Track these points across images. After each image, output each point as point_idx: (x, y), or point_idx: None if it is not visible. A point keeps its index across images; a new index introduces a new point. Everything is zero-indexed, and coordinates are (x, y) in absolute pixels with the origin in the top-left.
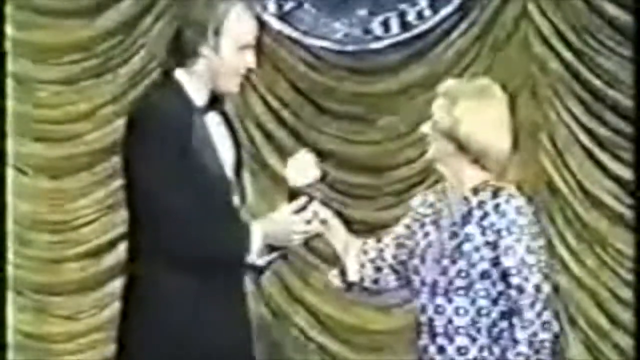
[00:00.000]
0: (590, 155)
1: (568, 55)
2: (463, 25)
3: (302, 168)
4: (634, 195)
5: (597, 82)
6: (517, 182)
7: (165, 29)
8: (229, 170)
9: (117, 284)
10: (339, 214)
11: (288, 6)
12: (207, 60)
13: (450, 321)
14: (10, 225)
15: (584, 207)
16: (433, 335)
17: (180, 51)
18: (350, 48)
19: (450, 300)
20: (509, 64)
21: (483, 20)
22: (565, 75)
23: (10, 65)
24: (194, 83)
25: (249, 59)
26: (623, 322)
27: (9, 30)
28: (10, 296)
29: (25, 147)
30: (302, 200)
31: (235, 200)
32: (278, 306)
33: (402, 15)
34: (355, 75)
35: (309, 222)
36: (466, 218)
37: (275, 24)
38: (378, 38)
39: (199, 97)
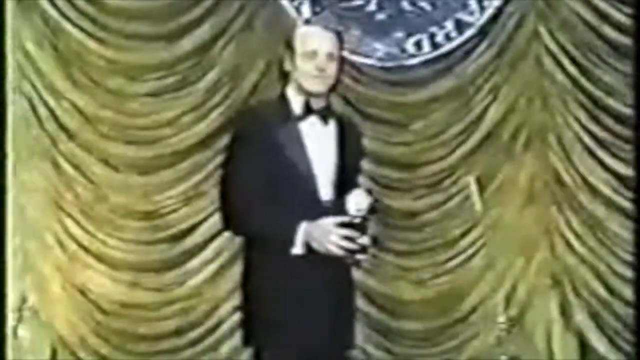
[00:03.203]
0: (591, 153)
1: (573, 70)
2: (483, 45)
3: (357, 198)
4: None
5: (598, 92)
6: (531, 175)
7: (234, 50)
8: (318, 169)
9: (195, 263)
10: (380, 203)
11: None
12: (292, 74)
13: None
14: (106, 213)
15: (586, 197)
16: None
17: (281, 71)
18: (388, 64)
19: None
20: (523, 78)
21: (500, 41)
22: (570, 86)
23: (108, 82)
24: (294, 96)
25: (319, 62)
26: (620, 293)
27: (108, 52)
28: (108, 272)
29: (118, 148)
30: (347, 218)
31: (323, 194)
32: None
33: (432, 36)
34: (393, 87)
35: (350, 239)
36: None
37: None
38: (412, 56)
39: (297, 107)
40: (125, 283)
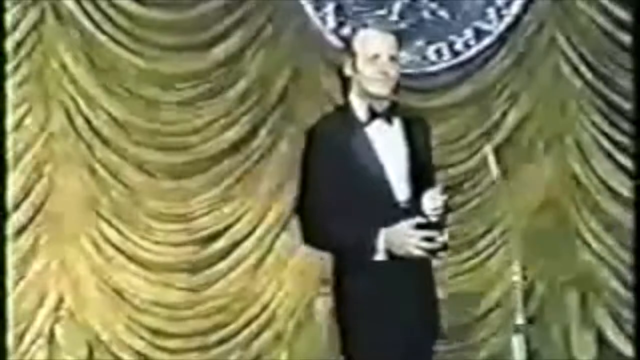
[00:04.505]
0: (609, 155)
1: (590, 75)
2: (502, 52)
3: (432, 198)
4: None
5: (614, 97)
6: (550, 178)
7: (263, 59)
8: (390, 171)
9: (224, 264)
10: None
11: None
12: (353, 79)
13: None
14: (139, 217)
15: (604, 198)
16: None
17: (342, 78)
18: (410, 71)
19: None
20: (541, 84)
21: (519, 48)
22: (588, 91)
23: (141, 91)
24: (357, 101)
25: (382, 65)
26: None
27: (141, 63)
28: (142, 272)
29: (151, 155)
30: (424, 219)
31: (399, 195)
32: None
33: (451, 44)
34: (415, 93)
35: (429, 240)
36: None
37: None
38: (433, 63)
39: (362, 112)
40: (158, 283)
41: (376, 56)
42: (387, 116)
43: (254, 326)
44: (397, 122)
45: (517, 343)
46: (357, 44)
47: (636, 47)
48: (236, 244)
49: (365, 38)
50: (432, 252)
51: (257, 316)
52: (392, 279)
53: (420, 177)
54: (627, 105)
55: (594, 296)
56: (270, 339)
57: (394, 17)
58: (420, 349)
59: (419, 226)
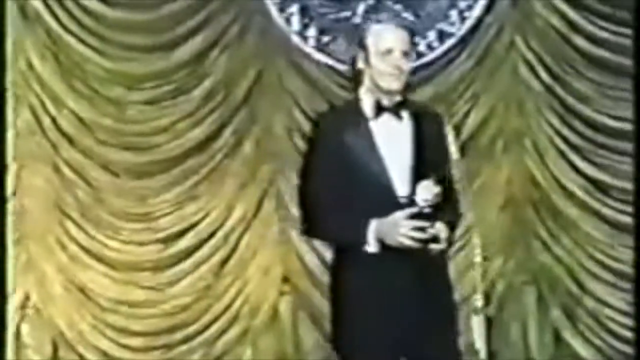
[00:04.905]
0: (563, 156)
1: (547, 78)
2: (464, 55)
3: (426, 189)
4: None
5: (570, 99)
6: (508, 178)
7: (228, 59)
8: (392, 166)
9: (188, 263)
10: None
11: (326, 40)
12: (365, 73)
13: None
14: (104, 216)
15: (560, 198)
16: None
17: (354, 72)
18: None
19: None
20: (501, 85)
21: (480, 50)
22: (545, 94)
23: (107, 91)
24: (366, 96)
25: (395, 60)
26: (592, 291)
27: (107, 63)
28: (106, 271)
29: (116, 154)
30: (416, 209)
31: (400, 191)
32: None
33: (415, 46)
34: None
35: (421, 230)
36: None
37: (316, 54)
38: None
39: (368, 106)
40: (123, 282)
41: (389, 51)
42: (396, 111)
43: (218, 325)
44: (406, 116)
45: (476, 324)
46: (370, 38)
47: (636, 48)
48: (200, 243)
49: (378, 33)
50: (424, 243)
51: (221, 315)
52: (387, 271)
53: (424, 175)
54: (581, 107)
55: (551, 296)
56: (234, 338)
57: (358, 19)
58: (416, 342)
59: (413, 217)
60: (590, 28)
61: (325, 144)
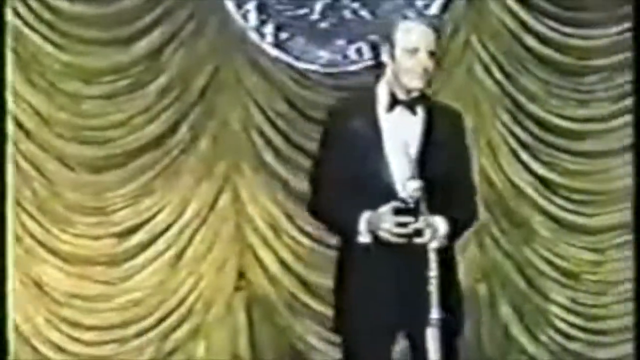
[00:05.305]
0: (515, 155)
1: (500, 77)
2: None
3: (407, 185)
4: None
5: (521, 98)
6: None
7: (184, 55)
8: (395, 161)
9: (140, 259)
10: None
11: (283, 37)
12: (389, 67)
13: None
14: (60, 209)
15: (512, 197)
16: None
17: (376, 65)
18: (332, 70)
19: None
20: (457, 84)
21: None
22: (498, 93)
23: (64, 85)
24: (383, 88)
25: (420, 59)
26: (541, 288)
27: (64, 56)
28: (61, 265)
29: (73, 148)
30: (398, 204)
31: (399, 186)
32: None
33: (372, 44)
34: (336, 91)
35: (403, 225)
36: None
37: (273, 51)
38: (354, 62)
39: (384, 100)
40: (77, 276)
41: (416, 50)
42: (411, 105)
43: (171, 319)
44: (421, 112)
45: (431, 336)
46: (398, 34)
47: (636, 46)
48: (155, 238)
49: (407, 30)
50: (407, 238)
51: (174, 309)
52: (386, 263)
53: (429, 169)
54: (532, 106)
55: (501, 292)
56: (187, 333)
57: (316, 16)
58: (412, 336)
59: (398, 211)
60: (539, 27)
61: (335, 132)
